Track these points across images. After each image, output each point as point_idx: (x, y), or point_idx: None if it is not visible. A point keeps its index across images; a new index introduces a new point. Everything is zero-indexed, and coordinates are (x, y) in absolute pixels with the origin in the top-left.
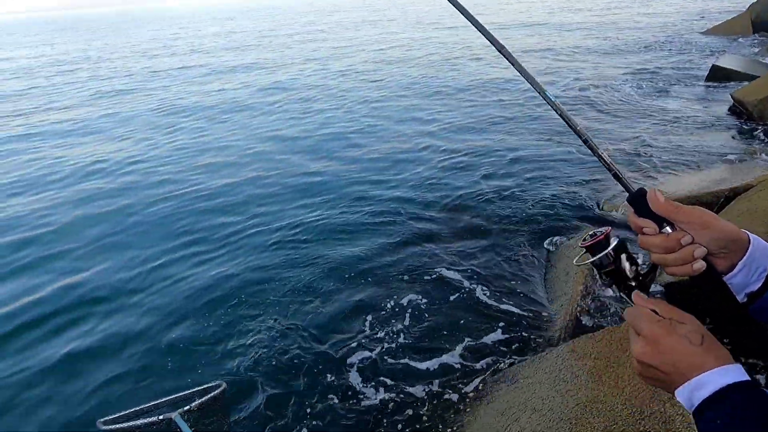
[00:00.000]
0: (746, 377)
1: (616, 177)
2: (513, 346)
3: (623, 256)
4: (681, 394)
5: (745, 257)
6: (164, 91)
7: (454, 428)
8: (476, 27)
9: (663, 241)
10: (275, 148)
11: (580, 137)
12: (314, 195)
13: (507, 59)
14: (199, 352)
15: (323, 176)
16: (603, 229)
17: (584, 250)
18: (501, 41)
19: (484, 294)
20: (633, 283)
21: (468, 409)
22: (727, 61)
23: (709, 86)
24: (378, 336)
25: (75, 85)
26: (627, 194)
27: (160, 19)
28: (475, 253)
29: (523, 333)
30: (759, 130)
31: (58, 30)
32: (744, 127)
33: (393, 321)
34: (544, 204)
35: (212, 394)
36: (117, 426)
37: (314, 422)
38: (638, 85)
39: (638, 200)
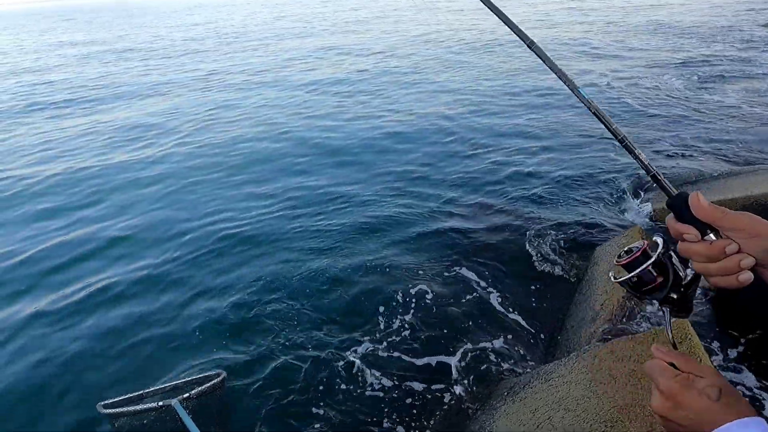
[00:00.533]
0: (764, 428)
1: (655, 179)
2: (547, 345)
3: (666, 270)
4: None
5: None
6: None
7: (485, 424)
8: (504, 21)
9: (706, 249)
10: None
11: (615, 137)
12: (342, 180)
13: (537, 55)
14: (201, 340)
15: (350, 168)
16: (639, 244)
17: (621, 267)
18: (530, 36)
19: (515, 292)
20: (674, 296)
21: (500, 405)
22: None
23: None
24: (396, 329)
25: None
26: (667, 198)
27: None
28: (504, 252)
29: (559, 332)
30: None
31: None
32: None
33: (413, 315)
34: (575, 206)
35: (212, 383)
36: (117, 410)
37: (318, 416)
38: (689, 78)
39: (679, 204)
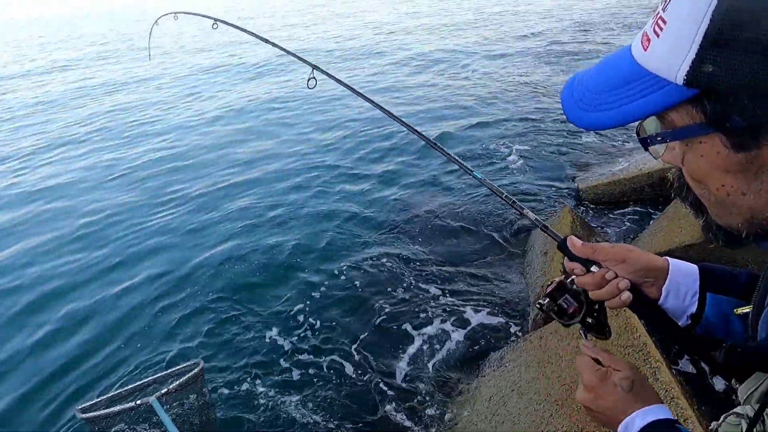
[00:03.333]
0: (665, 416)
1: (544, 229)
2: (497, 331)
3: (580, 299)
4: None
5: (666, 282)
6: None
7: (444, 417)
8: (402, 124)
9: (592, 279)
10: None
11: (507, 202)
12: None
13: (434, 148)
14: (178, 331)
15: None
16: (558, 278)
17: (547, 298)
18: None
19: (462, 281)
20: (590, 320)
21: (456, 397)
22: None
23: None
24: (356, 324)
25: None
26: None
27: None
28: (450, 246)
29: (506, 317)
30: None
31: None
32: None
33: (373, 310)
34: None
35: (190, 374)
36: (95, 413)
37: (295, 398)
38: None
39: (565, 247)
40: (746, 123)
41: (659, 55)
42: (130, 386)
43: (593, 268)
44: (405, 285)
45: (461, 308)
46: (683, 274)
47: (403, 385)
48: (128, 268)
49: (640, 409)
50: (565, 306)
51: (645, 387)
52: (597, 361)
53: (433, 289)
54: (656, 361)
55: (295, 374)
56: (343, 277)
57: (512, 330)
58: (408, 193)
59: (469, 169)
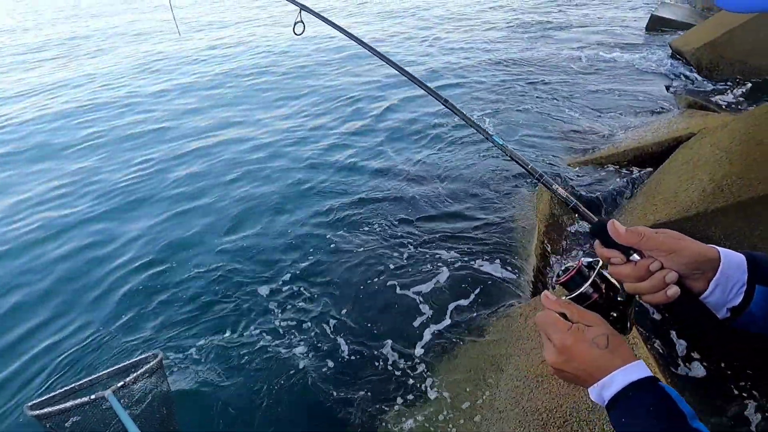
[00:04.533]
0: (646, 374)
1: (575, 210)
2: (479, 307)
3: (601, 287)
4: (592, 392)
5: (717, 276)
6: None
7: (423, 388)
8: (419, 85)
9: (632, 270)
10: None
11: (533, 175)
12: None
13: (452, 111)
14: (137, 321)
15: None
16: (574, 263)
17: (560, 286)
18: (444, 96)
19: (444, 257)
20: (615, 314)
21: (435, 369)
22: (664, 11)
23: (649, 35)
24: (329, 303)
25: None
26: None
27: None
28: (443, 210)
29: (488, 293)
30: (697, 78)
31: None
32: (683, 74)
33: (345, 290)
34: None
35: (148, 366)
36: (45, 410)
37: (264, 390)
38: (575, 39)
39: (601, 231)
40: None
41: None
42: (83, 380)
43: (633, 257)
44: (391, 252)
45: (441, 285)
46: (733, 266)
47: (378, 361)
48: (82, 247)
49: (621, 367)
50: (586, 295)
51: (620, 342)
52: (563, 315)
53: (423, 256)
54: (634, 337)
55: (265, 364)
56: (322, 256)
57: (498, 305)
58: (408, 153)
59: (488, 134)
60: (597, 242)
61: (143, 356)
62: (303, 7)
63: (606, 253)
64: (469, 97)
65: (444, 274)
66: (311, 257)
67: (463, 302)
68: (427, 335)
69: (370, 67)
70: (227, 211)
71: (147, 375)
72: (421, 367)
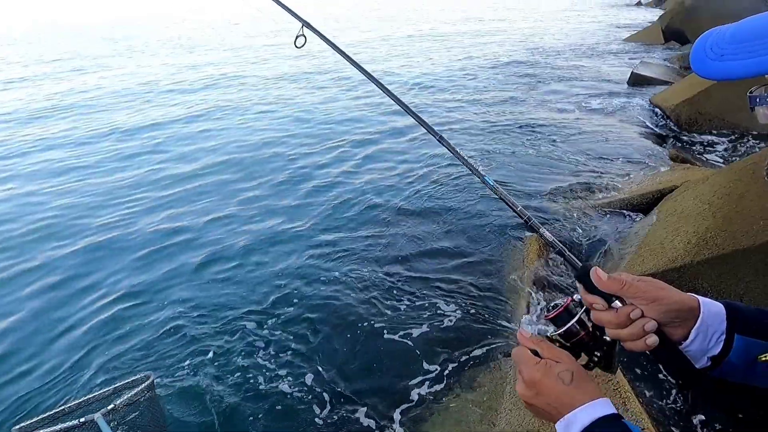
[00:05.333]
0: (610, 411)
1: (561, 254)
2: (468, 356)
3: (588, 325)
4: (558, 428)
5: (697, 324)
6: None
7: None
8: (416, 119)
9: (613, 317)
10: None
11: (521, 217)
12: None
13: (446, 147)
14: (128, 343)
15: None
16: (562, 300)
17: (549, 321)
18: (438, 130)
19: (433, 301)
20: (598, 353)
21: (424, 424)
22: (643, 69)
23: (630, 92)
24: (317, 345)
25: None
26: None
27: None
28: (437, 246)
29: (477, 340)
30: (678, 132)
31: None
32: (665, 128)
33: (332, 332)
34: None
35: (139, 388)
36: None
37: (256, 412)
38: (562, 90)
39: (585, 276)
40: None
41: None
42: (73, 402)
43: (615, 303)
44: (378, 295)
45: (444, 322)
46: (712, 314)
47: (363, 416)
48: (75, 275)
49: (585, 404)
50: (573, 332)
51: (585, 379)
52: (535, 352)
53: (411, 301)
54: (626, 391)
55: (257, 387)
56: (313, 282)
57: (488, 353)
58: (400, 186)
59: (480, 174)
60: (581, 287)
61: (134, 378)
62: (306, 24)
63: (589, 299)
64: (462, 137)
65: (433, 319)
66: (298, 298)
67: (453, 351)
68: (415, 386)
69: (361, 91)
70: (213, 247)
71: (138, 397)
72: (408, 423)
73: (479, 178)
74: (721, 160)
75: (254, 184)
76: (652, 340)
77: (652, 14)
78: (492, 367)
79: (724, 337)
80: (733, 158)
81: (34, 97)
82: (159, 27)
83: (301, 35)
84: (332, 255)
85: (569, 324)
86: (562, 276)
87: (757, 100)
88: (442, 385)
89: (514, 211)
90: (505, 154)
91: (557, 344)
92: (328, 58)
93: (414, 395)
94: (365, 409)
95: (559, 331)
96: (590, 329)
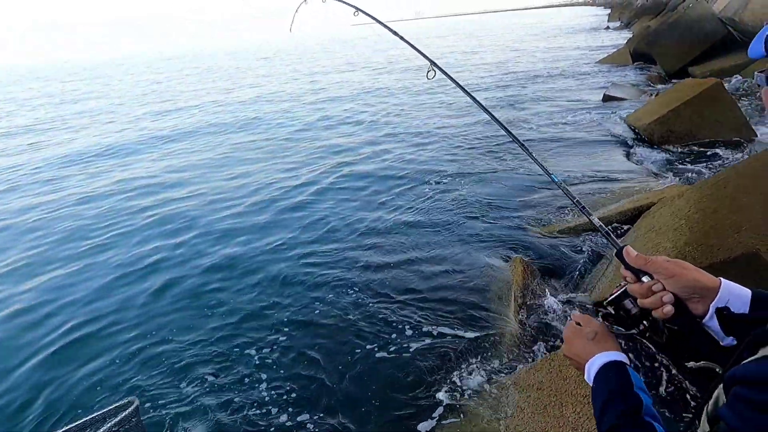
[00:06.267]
0: (618, 358)
1: (607, 236)
2: (463, 380)
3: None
4: (586, 374)
5: (715, 300)
6: None
7: None
8: (487, 114)
9: (639, 289)
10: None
11: (577, 206)
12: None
13: (522, 148)
14: (110, 367)
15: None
16: (621, 283)
17: (610, 302)
18: (512, 130)
19: (425, 328)
20: (645, 323)
21: None
22: (614, 91)
23: (604, 111)
24: (310, 368)
25: None
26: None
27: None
28: (415, 280)
29: (465, 364)
30: (652, 150)
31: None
32: (639, 146)
33: (325, 355)
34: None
35: (123, 414)
36: None
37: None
38: (542, 111)
39: (620, 255)
40: None
41: None
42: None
43: (645, 278)
44: (369, 319)
45: (415, 352)
46: (735, 296)
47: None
48: (59, 296)
49: (601, 352)
50: (629, 307)
51: (607, 338)
52: (578, 323)
53: (402, 325)
54: None
55: (242, 406)
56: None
57: (475, 376)
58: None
59: (548, 172)
60: (622, 265)
61: (118, 404)
62: (432, 63)
63: (624, 273)
64: (444, 155)
65: (425, 345)
66: (279, 316)
67: (440, 378)
68: (401, 415)
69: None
70: (191, 267)
71: (123, 423)
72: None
73: (549, 176)
74: (696, 176)
75: (232, 205)
76: (668, 309)
77: (621, 37)
78: (483, 390)
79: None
80: (706, 173)
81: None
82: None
83: (431, 70)
84: (313, 274)
85: (615, 294)
86: (545, 295)
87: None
88: (431, 412)
89: (572, 201)
90: (486, 171)
91: (610, 313)
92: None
93: (400, 422)
94: None
95: (609, 299)
96: (638, 303)
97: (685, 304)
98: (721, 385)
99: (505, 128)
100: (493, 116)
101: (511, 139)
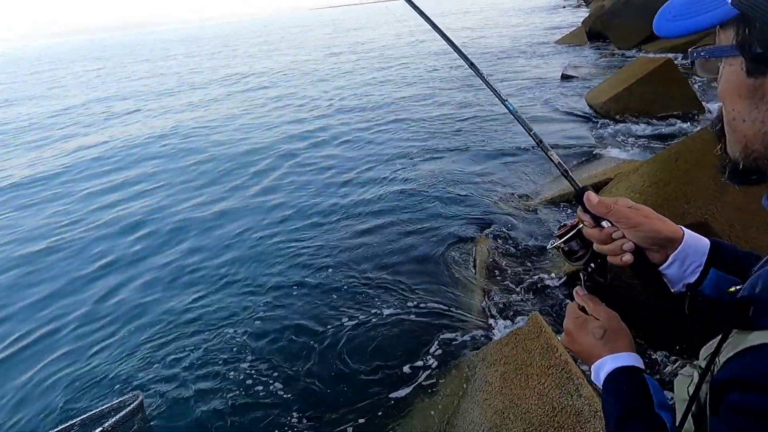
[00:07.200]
0: (630, 363)
1: (565, 174)
2: (427, 360)
3: (588, 244)
4: (592, 373)
5: (675, 252)
6: None
7: None
8: (450, 45)
9: (598, 234)
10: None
11: (534, 139)
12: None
13: (478, 76)
14: (115, 362)
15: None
16: (571, 221)
17: (558, 239)
18: (471, 58)
19: (386, 301)
20: (593, 265)
21: (386, 422)
22: (571, 71)
23: (563, 90)
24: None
25: None
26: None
27: None
28: (384, 262)
29: (434, 343)
30: (609, 126)
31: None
32: (597, 123)
33: (299, 336)
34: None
35: (128, 409)
36: None
37: (246, 424)
38: (505, 88)
39: (580, 198)
40: (762, 50)
41: None
42: (62, 426)
43: (604, 223)
44: (340, 292)
45: (387, 333)
46: (694, 247)
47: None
48: (65, 292)
49: (611, 354)
50: (576, 248)
51: (618, 336)
52: (583, 309)
53: (368, 306)
54: (578, 377)
55: (245, 401)
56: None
57: (445, 353)
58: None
59: (503, 99)
60: (579, 208)
61: (123, 398)
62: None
63: (581, 216)
64: (407, 134)
65: (394, 323)
66: (269, 306)
67: (410, 355)
68: (375, 393)
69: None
70: (186, 260)
71: (128, 418)
72: (367, 427)
73: (502, 103)
74: (651, 150)
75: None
76: (627, 257)
77: (576, 16)
78: (452, 366)
79: (701, 268)
80: (660, 146)
81: None
82: None
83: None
84: (283, 262)
85: (567, 236)
86: (509, 271)
87: (694, 54)
88: (403, 390)
89: (529, 133)
90: (449, 149)
91: (561, 251)
92: None
93: (374, 399)
94: (332, 415)
95: (559, 242)
96: (589, 247)
97: (644, 252)
98: (707, 386)
99: (461, 53)
100: (448, 39)
101: (469, 68)
